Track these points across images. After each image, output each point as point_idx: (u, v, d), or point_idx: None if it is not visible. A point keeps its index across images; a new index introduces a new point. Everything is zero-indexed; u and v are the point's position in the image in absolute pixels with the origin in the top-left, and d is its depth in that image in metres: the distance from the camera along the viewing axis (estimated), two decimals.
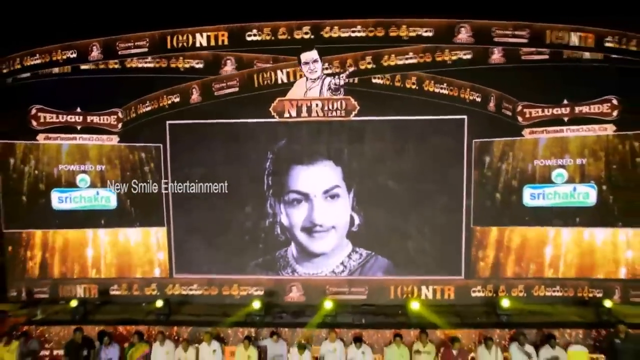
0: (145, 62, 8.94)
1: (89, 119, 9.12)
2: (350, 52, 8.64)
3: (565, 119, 8.58)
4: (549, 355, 7.29)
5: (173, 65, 8.93)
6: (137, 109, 9.15)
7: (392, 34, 8.51)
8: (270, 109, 8.90)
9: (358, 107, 8.79)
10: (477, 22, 8.44)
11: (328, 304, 8.36)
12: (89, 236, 9.40)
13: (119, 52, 8.93)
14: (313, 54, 8.70)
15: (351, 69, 8.68)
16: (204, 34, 8.79)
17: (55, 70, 9.00)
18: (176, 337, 8.10)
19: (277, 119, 8.93)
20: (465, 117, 8.71)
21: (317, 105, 8.85)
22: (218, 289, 9.34)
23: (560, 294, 8.88)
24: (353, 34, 8.58)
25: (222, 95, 8.94)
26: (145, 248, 9.39)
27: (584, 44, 8.28)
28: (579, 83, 8.46)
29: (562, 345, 7.56)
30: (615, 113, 8.38)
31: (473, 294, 9.04)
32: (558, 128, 8.62)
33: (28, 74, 9.02)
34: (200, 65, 8.89)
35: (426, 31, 8.49)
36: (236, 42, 8.81)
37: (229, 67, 8.86)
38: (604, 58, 8.31)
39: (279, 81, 8.84)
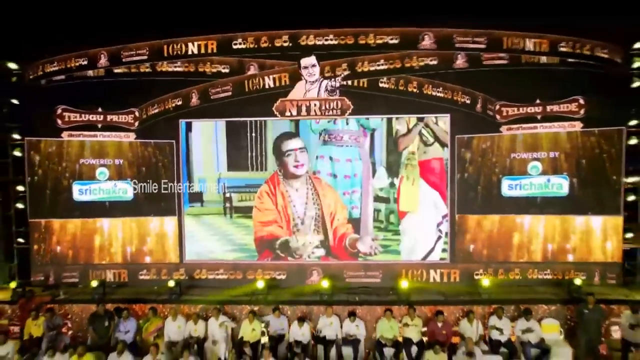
0: (175, 67, 9.85)
1: (108, 117, 10.05)
2: (328, 59, 9.60)
3: (539, 116, 9.50)
4: (524, 327, 8.06)
5: (201, 70, 9.81)
6: (147, 111, 10.08)
7: (361, 42, 9.42)
8: (274, 109, 9.83)
9: (352, 107, 9.73)
10: (439, 30, 9.29)
11: (325, 283, 9.18)
12: (113, 225, 10.24)
13: (123, 60, 9.82)
14: (312, 60, 9.64)
15: (346, 73, 9.65)
16: (195, 43, 9.69)
17: (90, 73, 9.92)
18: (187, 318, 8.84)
19: (279, 118, 9.89)
20: (448, 115, 9.66)
21: (315, 105, 9.79)
22: (243, 273, 10.04)
23: (550, 276, 9.60)
24: (327, 42, 9.50)
25: (218, 99, 9.86)
26: (169, 235, 10.24)
27: (539, 49, 9.17)
28: (551, 84, 9.38)
29: (537, 318, 8.38)
30: (582, 111, 9.30)
31: (476, 277, 9.72)
32: (532, 125, 9.52)
33: (62, 77, 9.97)
34: (227, 70, 9.79)
35: (392, 39, 9.37)
36: (224, 50, 9.71)
37: (252, 72, 9.77)
38: (564, 62, 9.24)
39: (266, 86, 9.77)
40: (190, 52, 9.73)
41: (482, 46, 9.27)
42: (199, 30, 9.61)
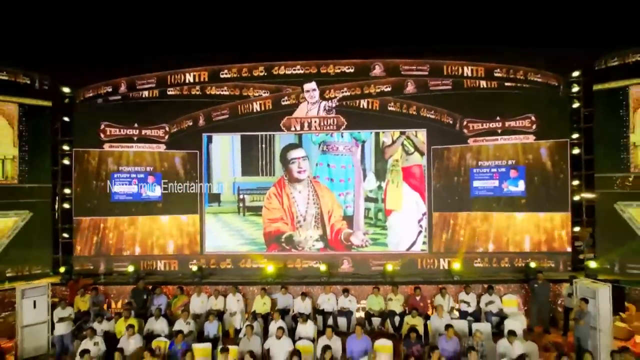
0: (222, 91, 11.89)
1: (143, 132, 12.05)
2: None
3: (499, 130, 11.53)
4: (487, 300, 9.85)
5: (245, 94, 11.85)
6: (170, 129, 12.07)
7: (322, 71, 11.63)
8: (281, 125, 11.88)
9: (346, 123, 11.79)
10: (387, 60, 11.43)
11: (322, 267, 10.98)
12: (148, 222, 12.01)
13: (137, 87, 11.99)
14: (312, 85, 11.77)
15: (340, 95, 11.73)
16: (191, 73, 11.90)
17: (145, 94, 12.01)
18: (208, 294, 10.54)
19: (285, 132, 11.92)
20: (425, 129, 11.70)
21: (315, 121, 11.85)
22: (283, 263, 11.68)
23: (532, 265, 11.04)
24: (295, 71, 11.67)
25: (217, 120, 11.96)
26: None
27: (476, 75, 11.26)
28: (508, 104, 11.43)
29: (500, 295, 10.16)
30: (534, 127, 11.36)
31: (475, 265, 11.51)
32: (494, 137, 11.55)
33: (116, 98, 12.05)
34: (266, 94, 11.83)
35: (348, 68, 11.55)
36: (213, 78, 11.87)
37: (287, 92, 11.77)
38: (518, 86, 11.31)
39: (254, 110, 11.86)
40: (187, 81, 11.93)
41: (425, 73, 11.42)
42: (194, 63, 11.82)
